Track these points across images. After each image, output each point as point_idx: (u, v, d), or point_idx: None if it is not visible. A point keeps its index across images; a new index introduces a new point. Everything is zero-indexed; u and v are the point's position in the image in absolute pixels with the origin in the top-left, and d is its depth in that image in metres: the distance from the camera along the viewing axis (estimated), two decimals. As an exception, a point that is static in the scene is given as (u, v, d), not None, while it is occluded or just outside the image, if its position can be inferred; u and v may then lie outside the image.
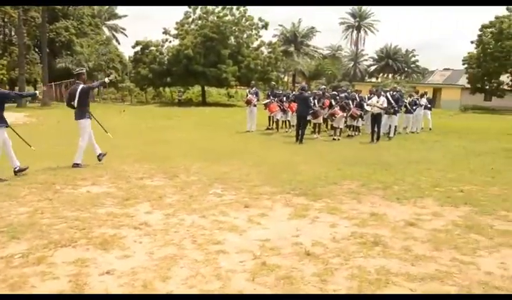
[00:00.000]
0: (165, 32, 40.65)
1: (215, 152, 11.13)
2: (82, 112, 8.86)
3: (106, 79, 10.61)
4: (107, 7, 58.05)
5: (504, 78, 44.47)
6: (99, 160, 9.07)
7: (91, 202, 6.18)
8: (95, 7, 51.55)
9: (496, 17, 43.68)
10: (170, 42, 40.98)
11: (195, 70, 37.14)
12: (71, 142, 9.82)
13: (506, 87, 44.67)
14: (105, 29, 59.49)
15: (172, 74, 38.34)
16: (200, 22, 40.21)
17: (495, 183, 8.19)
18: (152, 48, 40.33)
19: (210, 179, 7.90)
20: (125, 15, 63.80)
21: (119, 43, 60.17)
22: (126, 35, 65.70)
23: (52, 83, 38.43)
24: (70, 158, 8.83)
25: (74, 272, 3.92)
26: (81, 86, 8.85)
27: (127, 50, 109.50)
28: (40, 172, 8.03)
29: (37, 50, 42.87)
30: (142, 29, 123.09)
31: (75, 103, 8.83)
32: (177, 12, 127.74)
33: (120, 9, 61.30)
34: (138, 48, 40.67)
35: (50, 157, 9.67)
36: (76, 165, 8.70)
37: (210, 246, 4.59)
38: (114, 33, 61.73)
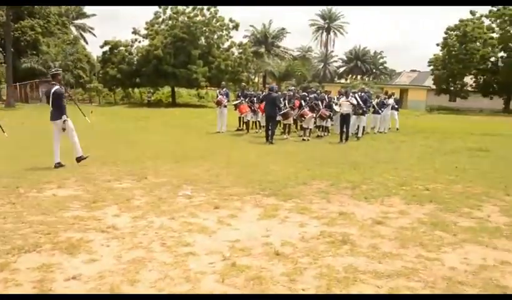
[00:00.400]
0: (135, 32, 40.11)
1: (185, 154, 11.05)
2: (57, 113, 8.83)
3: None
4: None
5: (467, 79, 45.95)
6: (56, 167, 8.78)
7: (57, 205, 6.03)
8: (63, 6, 50.38)
9: (461, 20, 45.10)
10: (140, 42, 40.49)
11: (165, 71, 36.81)
12: (36, 144, 9.60)
13: (469, 88, 46.16)
14: (73, 28, 58.26)
15: (141, 74, 37.88)
16: (170, 22, 39.87)
17: (459, 181, 8.43)
18: (121, 48, 39.69)
19: (179, 180, 7.84)
20: (94, 14, 62.39)
21: (87, 43, 59.00)
22: (94, 34, 64.43)
23: (17, 83, 37.36)
24: (34, 160, 8.61)
25: (38, 278, 3.82)
26: (55, 87, 8.82)
27: (95, 50, 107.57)
28: (3, 176, 7.79)
29: (0, 49, 41.57)
30: (110, 29, 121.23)
31: (50, 104, 8.88)
32: (147, 12, 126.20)
33: (88, 8, 60.04)
34: (106, 48, 39.91)
35: (14, 159, 9.40)
36: (79, 158, 9.01)
37: (179, 248, 4.56)
38: (82, 32, 60.49)
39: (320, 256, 4.43)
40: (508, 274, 4.12)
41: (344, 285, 3.78)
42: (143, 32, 40.08)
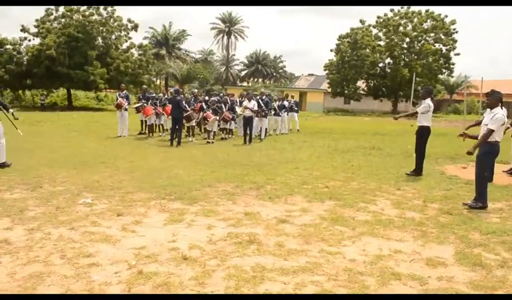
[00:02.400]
0: (24, 29, 37.10)
1: (84, 160, 10.49)
2: None
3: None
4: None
5: (360, 83, 49.26)
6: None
7: None
8: None
9: (351, 29, 48.35)
10: (30, 41, 37.56)
11: (59, 72, 34.62)
12: None
13: (362, 91, 49.53)
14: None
15: (33, 75, 35.22)
16: (63, 20, 37.59)
17: (355, 178, 9.00)
18: (8, 46, 36.46)
19: (78, 188, 7.44)
20: (-26, 10, 56.86)
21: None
22: (-24, 31, 58.69)
23: None
24: None
25: None
26: None
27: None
28: None
29: None
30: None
31: None
32: (37, 10, 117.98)
33: (-33, 3, 54.49)
34: (-9, 46, 36.53)
35: None
36: (2, 164, 9.00)
37: (81, 260, 4.33)
38: (-39, 29, 54.85)
39: (227, 257, 4.47)
40: (401, 262, 4.50)
41: (253, 285, 3.85)
42: (34, 30, 37.32)
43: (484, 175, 6.78)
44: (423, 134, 9.44)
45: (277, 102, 19.51)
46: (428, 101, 9.34)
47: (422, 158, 9.48)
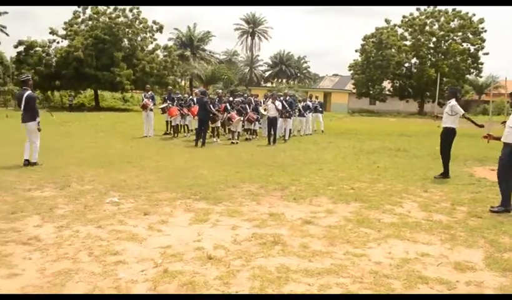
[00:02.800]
0: (52, 32, 38.02)
1: (111, 159, 10.67)
2: (28, 115, 9.49)
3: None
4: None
5: (385, 84, 48.66)
6: (25, 165, 9.37)
7: (-30, 218, 5.58)
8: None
9: (377, 29, 47.75)
10: (58, 43, 38.48)
11: (87, 73, 35.36)
12: None
13: (387, 92, 48.91)
14: (-18, 27, 54.05)
15: (61, 77, 36.06)
16: (90, 22, 38.35)
17: (381, 180, 8.89)
18: (38, 49, 37.46)
19: (106, 187, 7.57)
20: (6, 12, 58.25)
21: (-1, 42, 55.02)
22: (7, 33, 60.11)
23: None
24: None
25: (-49, 297, 3.52)
26: (27, 92, 9.50)
27: (8, 50, 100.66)
28: None
29: None
30: (26, 28, 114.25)
31: (22, 107, 9.56)
32: (65, 12, 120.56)
33: (-1, 5, 55.99)
34: (21, 48, 37.46)
35: None
36: (34, 164, 9.41)
37: (108, 257, 4.40)
38: (-7, 31, 56.34)
39: (252, 258, 4.47)
40: (429, 265, 4.41)
41: (277, 285, 3.84)
42: (62, 32, 38.17)
43: (506, 177, 6.60)
44: (448, 135, 9.25)
45: (301, 103, 19.43)
46: (453, 102, 9.14)
47: (447, 160, 9.30)
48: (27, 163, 9.37)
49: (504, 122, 7.04)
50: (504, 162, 6.65)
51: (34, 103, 9.71)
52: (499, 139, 6.93)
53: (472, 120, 9.32)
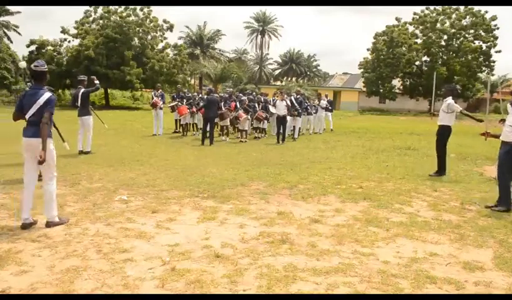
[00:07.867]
0: (64, 31, 38.28)
1: (121, 157, 10.74)
2: (84, 110, 11.62)
3: (96, 82, 12.01)
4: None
5: (395, 82, 48.29)
6: (80, 154, 11.06)
7: (-19, 215, 5.65)
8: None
9: (387, 27, 47.38)
10: (69, 42, 38.73)
11: (97, 72, 35.41)
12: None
13: (397, 90, 48.53)
14: (-5, 26, 54.60)
15: (72, 75, 36.25)
16: (101, 21, 38.55)
17: (390, 179, 8.85)
18: (49, 48, 37.71)
19: (115, 185, 7.61)
20: (18, 12, 58.74)
21: (11, 41, 55.51)
22: (19, 33, 60.65)
23: None
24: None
25: (-38, 293, 3.57)
26: (82, 90, 11.56)
27: (20, 49, 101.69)
28: None
29: None
30: (37, 27, 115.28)
31: (79, 103, 11.56)
32: (76, 11, 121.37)
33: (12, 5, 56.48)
34: (33, 47, 37.72)
35: None
36: (87, 152, 11.26)
37: (117, 255, 4.43)
38: (6, 31, 56.82)
39: (259, 256, 4.47)
40: (437, 265, 4.38)
41: (285, 284, 3.84)
42: (73, 31, 38.42)
43: (504, 175, 6.54)
44: (444, 133, 9.22)
45: (316, 102, 19.47)
46: (450, 100, 9.08)
47: (444, 157, 9.28)
48: (81, 152, 11.13)
49: (502, 120, 7.00)
50: (502, 161, 6.60)
51: (88, 100, 11.67)
52: (497, 136, 6.90)
53: (471, 115, 9.45)
